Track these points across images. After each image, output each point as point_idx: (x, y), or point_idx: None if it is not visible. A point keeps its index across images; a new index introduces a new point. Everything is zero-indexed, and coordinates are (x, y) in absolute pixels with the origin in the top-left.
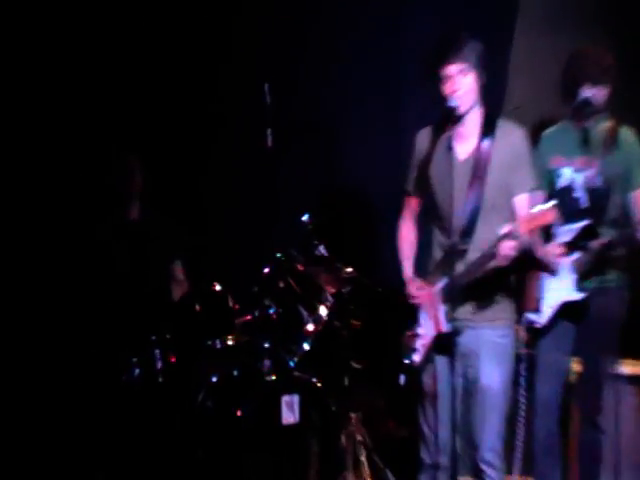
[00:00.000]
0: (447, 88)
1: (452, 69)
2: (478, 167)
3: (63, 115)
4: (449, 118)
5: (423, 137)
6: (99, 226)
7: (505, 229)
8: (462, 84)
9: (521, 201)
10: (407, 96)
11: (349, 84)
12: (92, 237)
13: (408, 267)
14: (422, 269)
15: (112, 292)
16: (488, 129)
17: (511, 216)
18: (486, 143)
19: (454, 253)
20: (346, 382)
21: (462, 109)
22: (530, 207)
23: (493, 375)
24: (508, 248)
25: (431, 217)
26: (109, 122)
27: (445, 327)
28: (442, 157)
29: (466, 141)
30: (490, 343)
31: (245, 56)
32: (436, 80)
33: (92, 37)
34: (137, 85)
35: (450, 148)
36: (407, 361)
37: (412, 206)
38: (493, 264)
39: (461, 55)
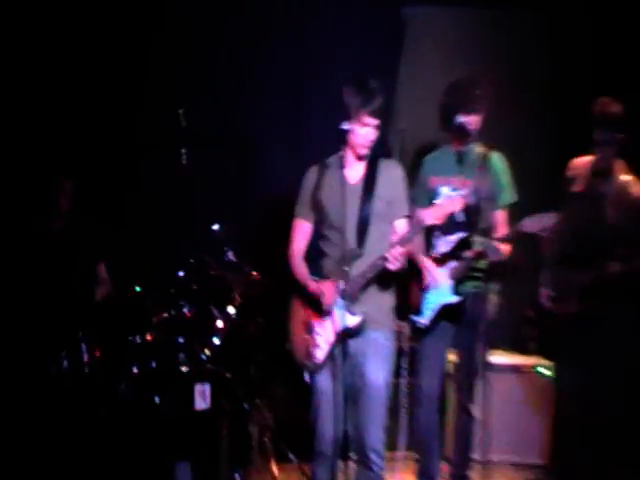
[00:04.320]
0: (364, 135)
1: (372, 121)
2: (367, 188)
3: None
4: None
5: (313, 172)
6: (25, 236)
7: (396, 236)
8: (373, 136)
9: (400, 224)
10: (309, 120)
11: (260, 102)
12: (17, 246)
13: (313, 282)
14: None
15: (40, 294)
16: (374, 164)
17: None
18: (373, 172)
19: (351, 258)
20: (253, 373)
21: (366, 152)
22: (406, 228)
23: (378, 374)
24: (398, 253)
25: (324, 233)
26: (45, 146)
27: (346, 325)
28: (336, 181)
29: (355, 170)
30: (377, 345)
31: (162, 82)
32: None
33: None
34: (70, 112)
35: (343, 175)
36: (310, 363)
37: (303, 228)
38: (387, 267)
39: (379, 111)
